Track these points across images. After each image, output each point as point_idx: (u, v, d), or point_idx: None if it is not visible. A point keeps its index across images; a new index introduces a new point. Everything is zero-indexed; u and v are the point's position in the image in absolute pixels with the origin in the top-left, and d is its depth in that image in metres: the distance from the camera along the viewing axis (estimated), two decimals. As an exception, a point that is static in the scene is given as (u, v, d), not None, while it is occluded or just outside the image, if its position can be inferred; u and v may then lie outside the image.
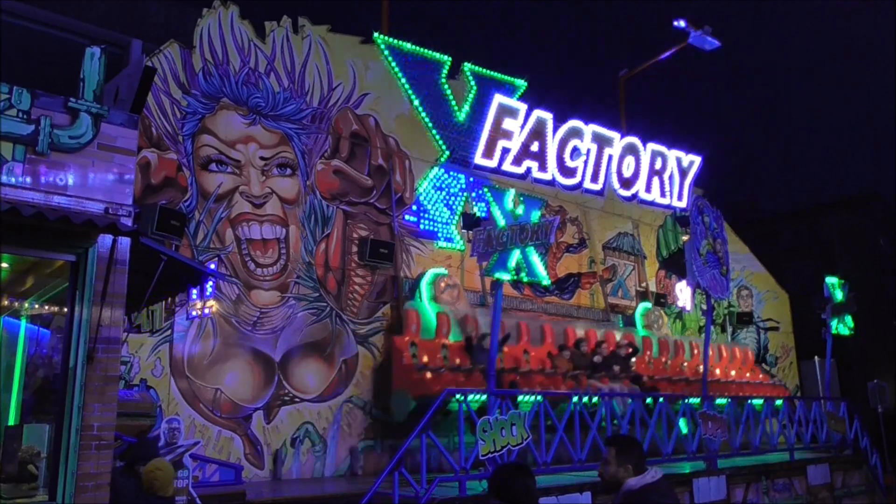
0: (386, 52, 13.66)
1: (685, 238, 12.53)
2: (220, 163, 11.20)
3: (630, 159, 17.65)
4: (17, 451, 5.73)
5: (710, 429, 11.62)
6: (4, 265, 6.45)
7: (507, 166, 15.08)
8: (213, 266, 10.69)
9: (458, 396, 9.48)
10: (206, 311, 10.43)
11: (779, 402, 14.73)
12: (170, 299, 9.85)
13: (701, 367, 13.59)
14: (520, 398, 10.53)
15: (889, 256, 26.71)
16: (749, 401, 13.67)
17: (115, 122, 5.98)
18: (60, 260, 5.88)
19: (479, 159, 14.68)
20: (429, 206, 13.74)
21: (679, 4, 22.36)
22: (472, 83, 14.89)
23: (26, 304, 7.07)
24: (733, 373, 17.18)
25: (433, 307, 12.78)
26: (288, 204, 11.76)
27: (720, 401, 13.08)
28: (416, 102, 13.93)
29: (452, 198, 14.18)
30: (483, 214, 10.39)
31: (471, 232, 10.01)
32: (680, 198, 18.57)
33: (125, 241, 5.70)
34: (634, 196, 17.86)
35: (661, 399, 11.99)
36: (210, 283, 10.21)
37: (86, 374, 5.54)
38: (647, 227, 18.23)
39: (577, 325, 15.26)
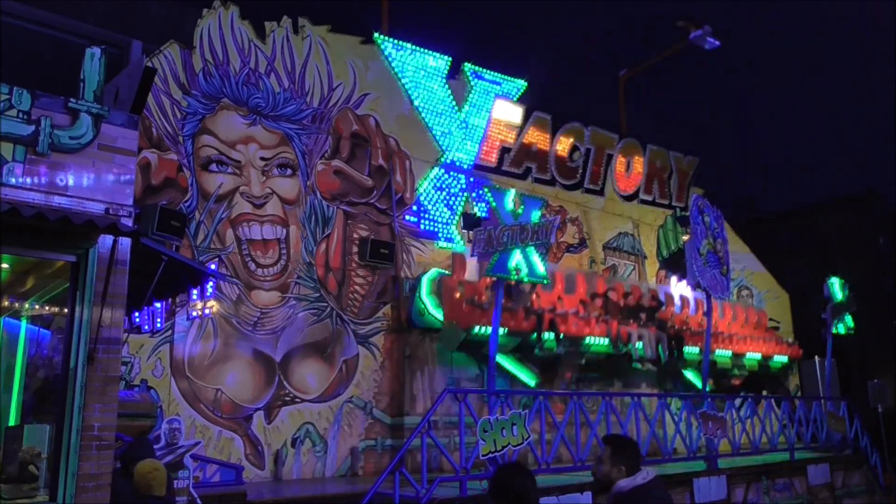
0: (386, 53, 13.67)
1: (685, 238, 12.54)
2: (221, 163, 11.20)
3: (630, 159, 17.65)
4: (17, 451, 5.72)
5: (711, 429, 11.63)
6: (5, 266, 6.45)
7: (508, 166, 15.10)
8: (213, 266, 10.69)
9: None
10: (207, 311, 10.43)
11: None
12: (170, 300, 9.85)
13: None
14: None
15: (888, 256, 26.63)
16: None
17: (115, 123, 5.99)
18: (61, 260, 5.88)
19: (479, 159, 14.70)
20: (429, 207, 13.74)
21: (679, 4, 22.35)
22: (472, 83, 14.90)
23: (27, 305, 7.07)
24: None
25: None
26: (288, 204, 11.76)
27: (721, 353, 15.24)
28: (417, 102, 13.94)
29: (453, 198, 14.18)
30: (483, 214, 10.39)
31: (471, 232, 10.02)
32: (680, 198, 18.60)
33: (126, 242, 5.70)
34: (634, 196, 17.87)
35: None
36: (210, 283, 10.21)
37: (86, 375, 5.55)
38: (647, 227, 18.22)
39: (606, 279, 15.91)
